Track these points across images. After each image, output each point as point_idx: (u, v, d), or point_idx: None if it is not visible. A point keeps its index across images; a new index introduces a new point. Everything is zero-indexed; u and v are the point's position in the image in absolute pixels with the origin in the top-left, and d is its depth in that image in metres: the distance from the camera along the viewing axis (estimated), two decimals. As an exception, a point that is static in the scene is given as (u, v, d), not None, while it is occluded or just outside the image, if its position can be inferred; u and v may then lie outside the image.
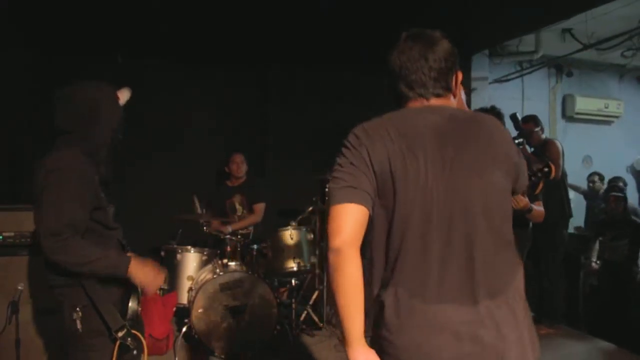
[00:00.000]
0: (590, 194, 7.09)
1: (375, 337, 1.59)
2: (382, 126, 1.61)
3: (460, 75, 1.78)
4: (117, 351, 2.18)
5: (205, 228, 4.90)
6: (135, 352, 2.25)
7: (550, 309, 5.04)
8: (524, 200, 3.55)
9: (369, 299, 1.57)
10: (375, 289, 1.61)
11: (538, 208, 3.74)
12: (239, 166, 5.41)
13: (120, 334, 2.16)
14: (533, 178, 3.42)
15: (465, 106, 2.00)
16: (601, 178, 6.99)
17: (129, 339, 2.19)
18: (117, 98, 2.37)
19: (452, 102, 1.74)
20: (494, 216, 1.58)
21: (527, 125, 5.11)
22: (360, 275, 1.53)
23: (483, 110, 4.01)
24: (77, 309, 2.13)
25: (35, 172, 2.15)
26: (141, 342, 2.27)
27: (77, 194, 2.12)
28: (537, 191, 3.47)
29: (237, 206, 5.38)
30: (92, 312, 2.15)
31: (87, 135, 2.22)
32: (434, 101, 1.69)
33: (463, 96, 1.89)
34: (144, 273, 2.27)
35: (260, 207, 5.34)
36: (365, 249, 1.61)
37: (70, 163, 2.13)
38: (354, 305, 1.51)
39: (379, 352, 1.53)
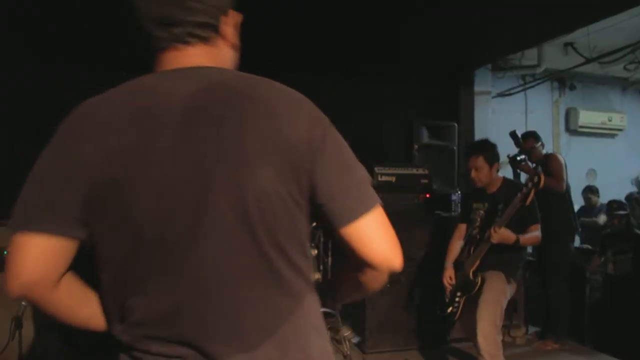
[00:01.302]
0: (586, 209, 7.06)
1: None
2: (109, 108, 1.12)
3: (236, 18, 1.26)
4: None
5: None
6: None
7: (557, 324, 5.01)
8: (502, 234, 3.49)
9: None
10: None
11: (531, 235, 3.65)
12: None
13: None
14: (524, 189, 3.40)
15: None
16: (594, 191, 6.97)
17: None
18: None
19: (223, 52, 1.25)
20: (260, 235, 1.08)
21: (527, 142, 5.11)
22: (75, 303, 1.19)
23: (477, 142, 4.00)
24: None
25: None
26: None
27: None
28: (528, 202, 3.43)
29: None
30: None
31: None
32: (193, 51, 1.17)
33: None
34: None
35: None
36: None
37: None
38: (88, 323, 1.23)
39: None
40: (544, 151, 5.19)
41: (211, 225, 1.06)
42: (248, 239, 1.07)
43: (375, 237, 1.13)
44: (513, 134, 4.49)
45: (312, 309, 1.18)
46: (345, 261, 1.19)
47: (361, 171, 1.17)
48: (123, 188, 1.05)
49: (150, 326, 1.08)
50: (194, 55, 1.17)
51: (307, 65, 5.88)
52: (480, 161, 3.78)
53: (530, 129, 5.72)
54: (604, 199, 6.72)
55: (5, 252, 3.42)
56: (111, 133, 1.06)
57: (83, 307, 1.19)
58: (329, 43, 5.25)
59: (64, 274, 1.12)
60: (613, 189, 6.78)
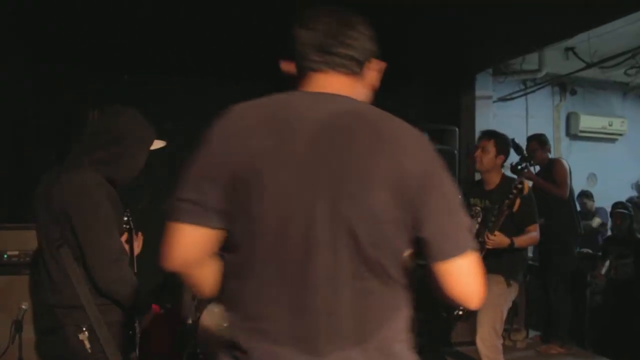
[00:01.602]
0: (582, 214, 7.05)
1: None
2: (254, 114, 1.31)
3: (379, 65, 1.44)
4: None
5: None
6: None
7: (561, 328, 5.01)
8: (496, 240, 3.49)
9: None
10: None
11: (527, 236, 3.65)
12: None
13: None
14: (510, 196, 3.40)
15: None
16: (588, 196, 6.96)
17: None
18: (151, 142, 2.36)
19: (360, 88, 1.40)
20: (367, 250, 1.20)
21: (531, 144, 5.12)
22: (213, 277, 1.36)
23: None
24: (84, 329, 2.11)
25: (50, 185, 2.12)
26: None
27: (114, 219, 2.14)
28: (515, 209, 3.43)
29: None
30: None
31: (105, 161, 2.18)
32: (338, 79, 1.34)
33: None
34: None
35: None
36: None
37: (98, 184, 2.11)
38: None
39: None
40: (549, 156, 5.20)
41: (325, 234, 1.19)
42: (356, 252, 1.20)
43: (462, 280, 1.26)
44: (512, 142, 4.52)
45: (403, 322, 1.30)
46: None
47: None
48: (256, 186, 1.21)
49: (257, 319, 1.23)
50: (337, 83, 1.33)
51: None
52: (491, 144, 3.77)
53: (531, 133, 5.71)
54: (605, 203, 6.72)
55: (5, 256, 3.40)
56: (253, 136, 1.24)
57: (212, 288, 1.37)
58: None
59: (208, 257, 1.32)
60: (613, 194, 6.77)
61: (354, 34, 1.35)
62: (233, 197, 1.23)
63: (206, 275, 1.35)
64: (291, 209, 1.20)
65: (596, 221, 6.65)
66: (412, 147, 1.24)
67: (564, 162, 5.18)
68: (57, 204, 2.07)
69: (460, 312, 3.82)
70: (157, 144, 2.41)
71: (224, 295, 1.34)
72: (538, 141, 5.19)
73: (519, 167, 4.87)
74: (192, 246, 1.29)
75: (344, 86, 1.34)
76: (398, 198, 1.19)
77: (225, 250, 1.31)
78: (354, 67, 1.35)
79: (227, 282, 1.32)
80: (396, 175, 1.20)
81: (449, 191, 1.26)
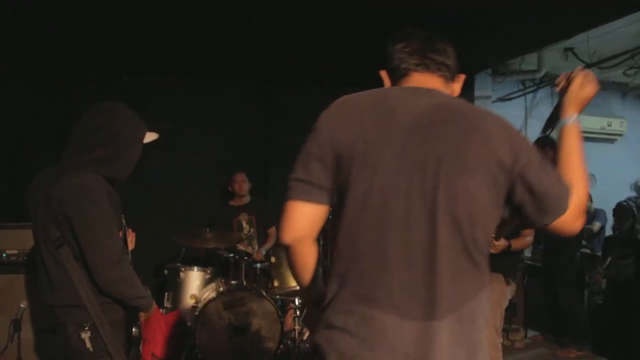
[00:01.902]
0: None
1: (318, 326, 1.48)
2: (361, 103, 1.48)
3: (462, 79, 1.69)
4: None
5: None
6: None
7: (577, 331, 5.04)
8: (500, 246, 3.54)
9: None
10: (327, 281, 1.49)
11: (522, 240, 3.69)
12: (241, 185, 5.43)
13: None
14: None
15: None
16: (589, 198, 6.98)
17: None
18: (142, 136, 2.36)
19: (448, 92, 1.60)
20: (464, 227, 1.35)
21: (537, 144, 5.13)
22: (312, 261, 1.55)
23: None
24: (86, 327, 2.11)
25: (48, 185, 2.11)
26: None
27: (114, 218, 2.14)
28: None
29: (244, 225, 5.37)
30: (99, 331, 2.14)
31: (102, 160, 2.18)
32: (433, 79, 1.56)
33: None
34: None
35: (273, 230, 5.35)
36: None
37: (98, 184, 2.12)
38: (299, 284, 1.60)
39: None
40: None
41: (425, 211, 1.34)
42: (454, 227, 1.35)
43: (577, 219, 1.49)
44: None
45: (485, 300, 1.44)
46: None
47: (558, 177, 1.47)
48: (360, 165, 1.38)
49: (362, 286, 1.38)
50: (432, 82, 1.55)
51: (310, 74, 5.91)
52: None
53: (530, 133, 5.72)
54: (603, 204, 6.72)
55: (4, 255, 3.39)
56: (358, 122, 1.42)
57: (312, 269, 1.56)
58: (329, 51, 5.26)
59: (315, 234, 1.50)
60: (613, 194, 6.77)
61: (445, 47, 1.59)
62: (338, 176, 1.42)
63: (310, 254, 1.53)
64: (393, 188, 1.36)
65: (596, 225, 6.65)
66: (499, 134, 1.39)
67: None
68: (56, 204, 2.07)
69: None
70: (150, 137, 2.41)
71: (334, 270, 1.45)
72: (552, 146, 5.21)
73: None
74: (303, 221, 1.46)
75: (438, 86, 1.55)
76: (491, 181, 1.36)
77: (334, 230, 1.47)
78: (446, 73, 1.58)
79: (337, 257, 1.45)
80: (488, 160, 1.36)
81: (539, 163, 1.41)
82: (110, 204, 2.13)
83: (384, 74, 1.63)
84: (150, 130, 2.45)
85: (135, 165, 2.34)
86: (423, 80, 1.54)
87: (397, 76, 1.58)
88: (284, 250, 1.55)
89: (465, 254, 1.37)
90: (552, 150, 4.95)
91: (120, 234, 2.43)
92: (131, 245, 2.70)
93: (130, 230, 2.72)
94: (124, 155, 2.26)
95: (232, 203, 5.52)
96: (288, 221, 1.47)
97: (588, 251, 6.11)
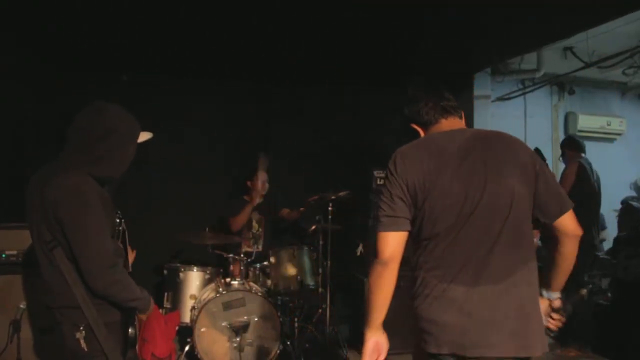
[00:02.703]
0: None
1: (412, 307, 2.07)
2: (417, 150, 2.04)
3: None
4: None
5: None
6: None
7: (579, 331, 5.06)
8: None
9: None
10: (415, 272, 2.04)
11: None
12: (264, 185, 5.29)
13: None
14: None
15: None
16: None
17: None
18: (137, 135, 2.35)
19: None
20: (509, 213, 1.92)
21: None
22: (394, 282, 2.03)
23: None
24: (81, 328, 2.11)
25: (41, 187, 2.10)
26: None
27: (106, 222, 2.14)
28: None
29: (254, 224, 5.34)
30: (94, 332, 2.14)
31: (96, 160, 2.17)
32: (456, 120, 2.17)
33: None
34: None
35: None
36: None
37: (90, 187, 2.10)
38: (382, 301, 2.05)
39: (415, 318, 2.05)
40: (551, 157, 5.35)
41: (485, 208, 1.92)
42: (506, 218, 1.92)
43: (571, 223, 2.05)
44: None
45: (533, 270, 1.98)
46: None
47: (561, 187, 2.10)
48: (429, 193, 1.94)
49: (451, 272, 1.93)
50: (457, 123, 2.17)
51: (310, 74, 5.90)
52: None
53: (529, 133, 5.73)
54: (603, 203, 6.71)
55: (4, 255, 3.37)
56: (422, 162, 1.97)
57: (393, 289, 2.06)
58: (329, 51, 5.26)
59: (400, 254, 2.03)
60: (612, 194, 6.77)
61: (448, 93, 2.23)
62: (415, 205, 1.97)
63: (395, 273, 2.03)
64: (453, 199, 1.92)
65: (605, 232, 6.64)
66: (519, 146, 2.06)
67: (582, 164, 5.42)
68: (49, 206, 2.06)
69: None
70: (144, 136, 2.39)
71: (424, 263, 2.00)
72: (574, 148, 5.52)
73: None
74: (394, 245, 1.99)
75: (458, 122, 2.17)
76: (523, 180, 1.95)
77: (415, 240, 2.04)
78: (459, 112, 2.20)
79: (424, 256, 2.00)
80: (516, 165, 1.97)
81: (548, 171, 2.07)
82: (103, 207, 2.12)
83: (416, 126, 2.21)
84: (147, 130, 2.44)
85: (129, 165, 2.32)
86: (449, 123, 2.14)
87: (429, 125, 2.16)
88: (379, 268, 2.02)
89: (512, 233, 1.92)
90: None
91: (119, 228, 2.43)
92: (131, 260, 2.69)
93: (133, 249, 2.72)
94: (118, 154, 2.25)
95: (246, 198, 5.37)
96: (385, 246, 1.99)
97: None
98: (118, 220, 2.44)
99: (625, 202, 5.82)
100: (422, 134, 2.20)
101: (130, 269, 2.55)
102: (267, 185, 5.30)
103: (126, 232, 2.55)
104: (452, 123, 2.14)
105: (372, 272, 2.03)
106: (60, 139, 2.22)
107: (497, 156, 1.98)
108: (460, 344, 1.89)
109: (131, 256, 2.70)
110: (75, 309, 2.10)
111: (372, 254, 2.04)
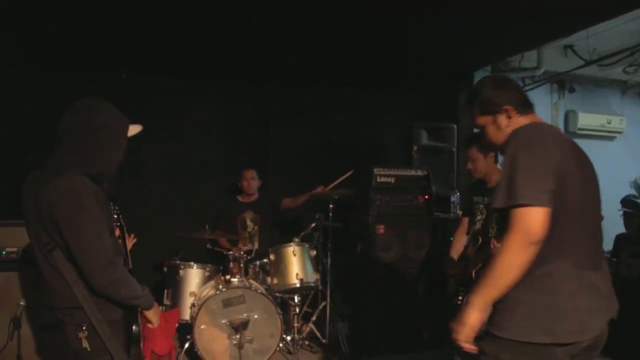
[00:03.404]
0: None
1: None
2: (547, 131, 2.09)
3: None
4: None
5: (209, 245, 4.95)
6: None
7: None
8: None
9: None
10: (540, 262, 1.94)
11: None
12: (250, 183, 5.39)
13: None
14: None
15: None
16: None
17: None
18: (126, 129, 2.33)
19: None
20: (599, 215, 2.15)
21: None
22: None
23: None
24: (83, 327, 2.11)
25: (36, 189, 2.09)
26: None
27: (103, 220, 2.13)
28: None
29: (249, 222, 5.36)
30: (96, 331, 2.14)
31: (89, 158, 2.16)
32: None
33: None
34: (155, 313, 2.43)
35: None
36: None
37: (85, 187, 2.09)
38: (509, 283, 1.91)
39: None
40: None
41: (594, 208, 2.12)
42: (597, 219, 2.15)
43: None
44: None
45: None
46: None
47: None
48: (566, 178, 1.96)
49: (577, 257, 2.01)
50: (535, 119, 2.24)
51: (310, 74, 5.91)
52: (474, 151, 3.84)
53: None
54: (603, 201, 6.70)
55: (4, 252, 3.37)
56: (559, 147, 2.01)
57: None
58: (329, 51, 5.26)
59: None
60: (612, 192, 6.75)
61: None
62: (558, 186, 1.93)
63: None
64: (584, 197, 2.03)
65: None
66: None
67: None
68: (44, 209, 2.05)
69: (459, 301, 3.87)
70: (134, 130, 2.39)
71: (552, 245, 1.94)
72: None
73: None
74: (545, 222, 1.88)
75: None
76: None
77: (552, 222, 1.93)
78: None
79: (552, 237, 1.93)
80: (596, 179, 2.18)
81: None
82: (99, 206, 2.11)
83: (510, 108, 2.20)
84: (147, 129, 2.44)
85: (122, 159, 2.29)
86: (534, 117, 2.22)
87: (522, 111, 2.20)
88: (531, 249, 1.89)
89: (600, 229, 2.16)
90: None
91: (117, 232, 2.43)
92: (130, 245, 2.70)
93: (132, 235, 2.72)
94: (110, 149, 2.23)
95: (239, 199, 5.50)
96: (542, 224, 1.87)
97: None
98: (116, 216, 2.44)
99: (628, 200, 5.79)
100: (508, 121, 2.21)
101: (131, 265, 2.56)
102: (255, 181, 5.40)
103: (124, 228, 2.56)
104: (534, 117, 2.23)
105: (521, 252, 1.87)
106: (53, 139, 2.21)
107: (589, 161, 2.18)
108: (603, 328, 2.04)
109: (130, 242, 2.71)
110: (77, 309, 2.10)
111: (519, 230, 1.87)
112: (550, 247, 1.92)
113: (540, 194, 1.87)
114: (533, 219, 1.86)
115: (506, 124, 2.20)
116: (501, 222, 3.54)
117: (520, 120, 2.17)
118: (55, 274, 2.11)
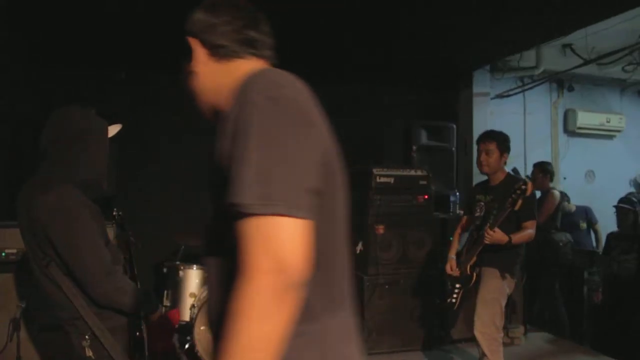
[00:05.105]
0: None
1: None
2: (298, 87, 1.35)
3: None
4: None
5: None
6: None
7: (560, 322, 5.11)
8: (494, 236, 3.58)
9: None
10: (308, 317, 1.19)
11: (523, 233, 3.69)
12: None
13: None
14: (513, 195, 3.51)
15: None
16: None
17: None
18: (106, 131, 2.31)
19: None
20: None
21: (535, 170, 5.71)
22: None
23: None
24: (86, 337, 2.11)
25: (27, 204, 2.08)
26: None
27: (96, 231, 2.12)
28: (517, 207, 3.53)
29: None
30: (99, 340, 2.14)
31: (75, 164, 2.14)
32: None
33: None
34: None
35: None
36: None
37: (75, 200, 2.07)
38: None
39: None
40: (550, 184, 5.63)
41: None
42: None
43: None
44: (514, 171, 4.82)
45: None
46: None
47: None
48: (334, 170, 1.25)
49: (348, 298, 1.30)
50: None
51: (310, 74, 5.90)
52: (493, 146, 3.86)
53: (528, 130, 5.74)
54: (602, 200, 6.72)
55: (3, 254, 3.37)
56: (324, 122, 1.26)
57: None
58: (330, 48, 5.26)
59: None
60: (611, 190, 6.77)
61: None
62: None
63: None
64: (345, 199, 1.40)
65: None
66: None
67: (556, 194, 5.62)
68: (37, 226, 2.04)
69: (454, 299, 3.88)
70: (114, 130, 2.38)
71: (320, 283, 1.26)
72: (541, 169, 5.68)
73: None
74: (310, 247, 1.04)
75: None
76: None
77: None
78: None
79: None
80: None
81: None
82: (91, 217, 2.10)
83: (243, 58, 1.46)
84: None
85: (108, 162, 2.28)
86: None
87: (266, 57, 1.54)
88: None
89: None
90: (543, 174, 5.20)
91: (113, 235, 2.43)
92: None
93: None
94: (94, 153, 2.21)
95: None
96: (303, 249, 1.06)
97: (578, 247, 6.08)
98: (116, 215, 2.43)
99: (627, 200, 5.81)
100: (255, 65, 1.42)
101: (136, 271, 2.55)
102: None
103: (127, 229, 2.55)
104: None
105: (275, 308, 0.97)
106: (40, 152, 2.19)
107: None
108: None
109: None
110: (78, 319, 2.10)
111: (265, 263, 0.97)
112: (318, 287, 1.15)
113: (303, 195, 1.04)
114: (290, 241, 0.99)
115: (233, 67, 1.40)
116: (504, 219, 3.57)
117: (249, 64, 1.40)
118: (53, 287, 2.10)
